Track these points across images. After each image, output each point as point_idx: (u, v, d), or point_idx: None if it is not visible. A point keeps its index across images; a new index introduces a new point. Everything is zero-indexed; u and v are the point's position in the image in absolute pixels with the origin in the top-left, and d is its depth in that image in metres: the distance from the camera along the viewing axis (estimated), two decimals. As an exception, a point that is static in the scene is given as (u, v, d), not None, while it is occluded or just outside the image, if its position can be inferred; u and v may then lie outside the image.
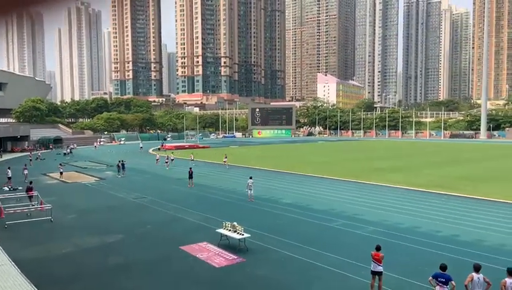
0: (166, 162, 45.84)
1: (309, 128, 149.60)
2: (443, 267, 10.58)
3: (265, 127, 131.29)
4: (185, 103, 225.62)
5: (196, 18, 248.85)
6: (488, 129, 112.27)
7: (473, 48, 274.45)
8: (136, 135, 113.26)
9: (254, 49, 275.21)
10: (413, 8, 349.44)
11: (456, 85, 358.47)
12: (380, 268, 11.94)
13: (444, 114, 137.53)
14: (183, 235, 18.53)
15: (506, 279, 9.98)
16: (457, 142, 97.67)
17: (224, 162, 45.21)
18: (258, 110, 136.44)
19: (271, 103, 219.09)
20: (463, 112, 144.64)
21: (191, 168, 33.04)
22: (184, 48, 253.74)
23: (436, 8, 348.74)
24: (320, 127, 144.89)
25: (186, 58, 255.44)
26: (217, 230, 17.71)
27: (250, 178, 26.97)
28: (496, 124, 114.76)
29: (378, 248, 12.22)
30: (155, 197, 27.79)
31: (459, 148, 73.76)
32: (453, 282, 10.22)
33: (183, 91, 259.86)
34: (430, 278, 10.63)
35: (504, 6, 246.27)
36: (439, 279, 10.47)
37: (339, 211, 23.12)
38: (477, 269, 10.16)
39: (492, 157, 55.25)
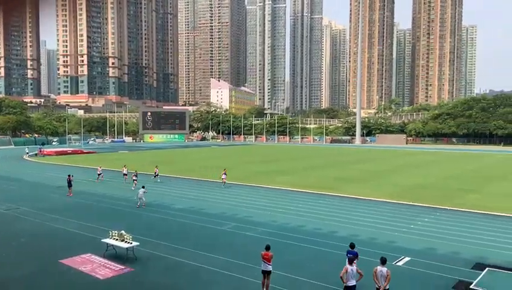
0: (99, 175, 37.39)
1: (202, 133, 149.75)
2: (352, 246, 13.12)
3: (158, 132, 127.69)
4: (68, 105, 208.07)
5: (81, 14, 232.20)
6: (362, 135, 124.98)
7: (349, 61, 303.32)
8: (8, 140, 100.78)
9: (145, 51, 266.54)
10: (299, 21, 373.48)
11: (336, 95, 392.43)
12: (269, 267, 12.46)
13: (326, 121, 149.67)
14: (63, 248, 17.09)
15: (378, 267, 11.27)
16: (336, 146, 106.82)
17: (223, 179, 33.84)
18: (149, 114, 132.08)
19: (163, 107, 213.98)
20: (341, 119, 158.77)
21: (69, 176, 30.39)
22: (67, 45, 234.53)
23: (318, 23, 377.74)
24: (214, 132, 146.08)
25: (69, 57, 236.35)
26: (102, 240, 16.71)
27: (143, 187, 25.99)
28: (368, 130, 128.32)
29: (267, 248, 12.73)
30: (31, 208, 25.11)
31: (337, 152, 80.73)
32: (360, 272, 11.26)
33: (66, 92, 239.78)
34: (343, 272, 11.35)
35: (375, 25, 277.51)
36: (348, 255, 12.45)
37: (231, 214, 23.59)
38: (350, 261, 11.31)
39: (365, 160, 61.65)
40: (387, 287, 10.85)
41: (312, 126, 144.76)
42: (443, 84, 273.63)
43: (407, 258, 15.81)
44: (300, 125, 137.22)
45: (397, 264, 15.20)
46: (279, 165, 52.35)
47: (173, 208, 25.40)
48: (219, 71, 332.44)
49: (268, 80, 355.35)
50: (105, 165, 45.73)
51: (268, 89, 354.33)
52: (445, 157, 68.11)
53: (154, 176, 37.25)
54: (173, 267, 14.90)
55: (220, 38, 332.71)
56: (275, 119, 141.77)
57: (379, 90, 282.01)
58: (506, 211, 24.49)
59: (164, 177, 38.64)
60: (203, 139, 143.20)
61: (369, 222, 21.92)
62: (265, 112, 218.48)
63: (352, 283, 10.99)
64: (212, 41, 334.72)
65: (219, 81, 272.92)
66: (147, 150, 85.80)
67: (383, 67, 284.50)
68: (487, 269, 14.66)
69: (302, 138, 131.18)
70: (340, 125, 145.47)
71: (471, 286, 13.12)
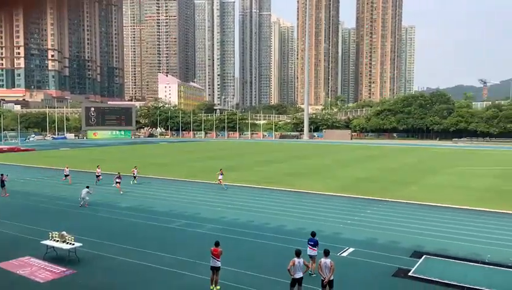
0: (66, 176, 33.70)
1: (150, 129, 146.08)
2: (313, 234, 13.94)
3: (102, 128, 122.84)
4: (3, 100, 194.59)
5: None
6: (310, 131, 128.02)
7: (297, 58, 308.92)
8: None
9: (88, 44, 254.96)
10: (248, 17, 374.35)
11: (285, 91, 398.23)
12: (218, 263, 12.45)
13: (275, 117, 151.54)
14: (-2, 252, 16.01)
15: (322, 259, 11.60)
16: (285, 142, 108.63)
17: (220, 181, 31.35)
18: (93, 109, 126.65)
19: (108, 102, 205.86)
20: (290, 115, 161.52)
21: (2, 175, 28.45)
22: (1, 36, 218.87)
23: (266, 20, 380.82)
24: (162, 128, 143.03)
25: (3, 49, 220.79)
26: (41, 242, 15.85)
27: (87, 187, 24.89)
28: (316, 126, 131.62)
29: (216, 244, 12.70)
30: (-40, 211, 23.26)
31: (286, 148, 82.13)
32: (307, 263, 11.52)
33: (1, 86, 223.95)
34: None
35: (321, 24, 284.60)
36: (309, 243, 13.64)
37: (180, 211, 23.26)
38: (298, 254, 11.53)
39: (312, 155, 63.21)
40: (332, 277, 11.22)
41: (262, 122, 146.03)
42: (385, 82, 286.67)
43: (351, 249, 16.44)
44: (250, 121, 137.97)
45: (342, 255, 15.77)
46: (229, 161, 52.33)
47: (119, 206, 24.62)
48: (167, 66, 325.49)
49: (218, 75, 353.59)
50: (44, 163, 43.34)
51: (218, 85, 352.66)
52: (386, 151, 71.44)
53: (134, 177, 33.61)
54: (118, 268, 14.47)
55: (167, 32, 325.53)
56: (224, 115, 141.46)
57: (326, 87, 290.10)
58: (440, 201, 26.14)
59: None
60: (151, 135, 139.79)
61: (316, 215, 22.52)
62: (215, 107, 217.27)
63: (299, 275, 11.24)
64: (159, 35, 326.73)
65: (167, 76, 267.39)
66: (91, 147, 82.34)
67: (329, 64, 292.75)
68: (424, 256, 15.59)
69: (251, 134, 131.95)
70: (289, 121, 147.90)
71: (409, 273, 13.90)
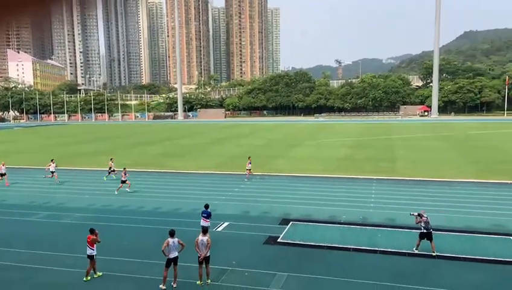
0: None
1: (1, 113, 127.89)
2: (206, 206, 15.05)
3: None
4: None
5: None
6: (184, 110, 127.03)
7: (168, 36, 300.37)
8: None
9: None
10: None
11: (157, 70, 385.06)
12: (92, 252, 11.87)
13: (147, 97, 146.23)
14: None
15: (199, 236, 11.82)
16: (159, 122, 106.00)
17: (248, 171, 26.88)
18: None
19: None
20: (163, 95, 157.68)
21: None
22: None
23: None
24: (16, 112, 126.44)
25: None
26: None
27: None
28: (190, 105, 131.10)
29: (91, 231, 12.09)
30: None
31: (160, 129, 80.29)
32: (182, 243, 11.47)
33: None
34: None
35: (190, 1, 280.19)
36: (203, 215, 14.64)
37: (41, 202, 21.18)
38: (172, 234, 11.57)
39: (187, 135, 63.09)
40: (208, 254, 11.57)
41: (133, 102, 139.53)
42: (254, 62, 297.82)
43: (226, 223, 17.11)
44: (120, 102, 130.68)
45: (217, 230, 16.31)
46: (98, 145, 49.10)
47: (-36, 204, 21.32)
48: (18, 41, 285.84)
49: (80, 52, 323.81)
50: None
51: (81, 63, 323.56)
52: (257, 128, 75.05)
53: (109, 173, 27.49)
54: (-32, 273, 12.64)
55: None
56: (90, 96, 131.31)
57: (198, 66, 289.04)
58: (304, 172, 28.70)
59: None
60: (2, 120, 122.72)
61: (192, 194, 22.74)
62: (79, 88, 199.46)
63: (174, 254, 11.33)
64: None
65: (19, 52, 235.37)
66: None
67: (201, 43, 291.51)
68: (291, 223, 17.06)
69: (122, 115, 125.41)
70: (162, 101, 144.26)
71: (278, 240, 15.11)
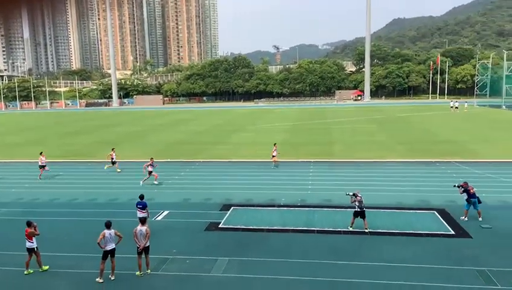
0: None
1: None
2: (141, 197, 14.30)
3: None
4: None
5: None
6: (120, 97, 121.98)
7: (99, 19, 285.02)
8: None
9: None
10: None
11: (88, 55, 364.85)
12: (31, 244, 11.49)
13: (78, 83, 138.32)
14: None
15: (138, 227, 11.49)
16: (92, 110, 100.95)
17: (274, 159, 25.51)
18: None
19: None
20: (96, 81, 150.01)
21: None
22: None
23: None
24: None
25: None
26: None
27: None
28: (126, 92, 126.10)
29: (28, 224, 11.65)
30: None
31: (93, 117, 76.54)
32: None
33: None
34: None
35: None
36: (138, 206, 14.05)
37: (-40, 200, 19.42)
38: (108, 225, 11.16)
39: (124, 123, 60.76)
40: (148, 244, 11.30)
41: (63, 89, 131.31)
42: (192, 47, 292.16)
43: (166, 212, 16.80)
44: (48, 89, 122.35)
45: (157, 219, 15.98)
46: (27, 135, 45.81)
47: None
48: None
49: (2, 36, 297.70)
50: None
51: (3, 47, 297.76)
52: (197, 114, 74.11)
53: (112, 164, 25.37)
54: None
55: None
56: (14, 83, 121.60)
57: (133, 50, 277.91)
58: (245, 157, 28.89)
59: None
60: None
61: (129, 183, 22.03)
62: (1, 74, 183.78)
63: (111, 246, 10.95)
64: None
65: None
66: None
67: (135, 27, 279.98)
68: (232, 208, 17.15)
69: (51, 103, 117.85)
70: (95, 87, 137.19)
71: (219, 225, 15.13)
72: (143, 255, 11.30)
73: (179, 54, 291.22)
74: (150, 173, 21.45)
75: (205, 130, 47.89)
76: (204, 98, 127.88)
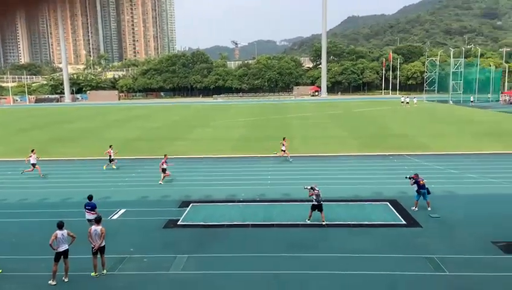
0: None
1: None
2: (90, 197, 13.74)
3: None
4: None
5: None
6: (72, 92, 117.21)
7: (48, 10, 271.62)
8: None
9: None
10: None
11: (37, 48, 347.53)
12: None
13: (27, 78, 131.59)
14: None
15: (92, 227, 11.18)
16: (43, 106, 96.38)
17: (284, 152, 25.33)
18: None
19: None
20: (46, 76, 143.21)
21: None
22: None
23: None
24: None
25: None
26: None
27: None
28: (79, 87, 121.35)
29: None
30: None
31: (45, 113, 73.14)
32: (72, 234, 10.75)
33: None
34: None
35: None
36: (86, 207, 13.53)
37: None
38: (60, 226, 10.76)
39: (77, 119, 58.48)
40: (103, 243, 11.01)
41: (10, 84, 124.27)
42: (149, 41, 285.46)
43: (122, 210, 16.41)
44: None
45: (113, 218, 15.58)
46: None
47: None
48: None
49: None
50: None
51: None
52: (154, 110, 72.67)
53: (110, 161, 24.21)
54: None
55: None
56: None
57: (86, 44, 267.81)
58: (204, 153, 28.69)
59: None
60: None
61: (83, 182, 21.31)
62: None
63: (64, 247, 10.57)
64: None
65: None
66: None
67: (88, 20, 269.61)
68: (191, 204, 17.01)
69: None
70: (45, 82, 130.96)
71: (178, 223, 14.98)
72: (98, 256, 11.00)
73: (134, 48, 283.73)
74: (164, 170, 20.84)
75: (163, 126, 47.07)
76: (162, 93, 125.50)
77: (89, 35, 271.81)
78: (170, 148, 31.04)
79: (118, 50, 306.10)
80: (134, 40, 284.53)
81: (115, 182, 21.14)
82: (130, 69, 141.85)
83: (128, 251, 12.37)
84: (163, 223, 14.83)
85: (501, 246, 12.19)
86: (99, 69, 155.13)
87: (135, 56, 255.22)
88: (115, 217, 15.73)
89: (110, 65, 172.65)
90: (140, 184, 20.68)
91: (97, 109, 79.38)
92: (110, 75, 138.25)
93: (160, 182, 20.67)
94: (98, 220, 11.36)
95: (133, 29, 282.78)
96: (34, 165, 22.55)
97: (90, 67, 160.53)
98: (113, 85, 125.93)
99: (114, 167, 24.26)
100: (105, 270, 11.02)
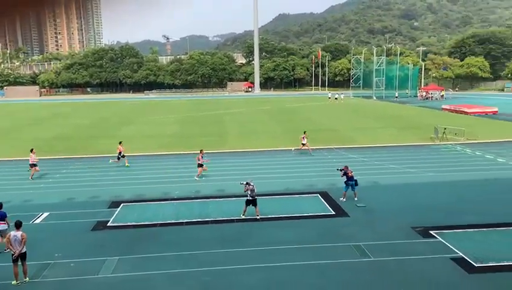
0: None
1: None
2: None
3: None
4: None
5: None
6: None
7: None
8: None
9: None
10: None
11: None
12: None
13: None
14: None
15: (12, 232, 10.39)
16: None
17: (302, 146, 26.17)
18: None
19: None
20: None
21: None
22: None
23: None
24: None
25: None
26: None
27: None
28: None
29: None
30: None
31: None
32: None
33: None
34: None
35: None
36: None
37: None
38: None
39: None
40: (24, 250, 10.27)
41: None
42: (72, 34, 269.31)
43: (46, 214, 15.38)
44: None
45: (35, 222, 14.56)
46: None
47: None
48: None
49: None
50: None
51: None
52: (80, 107, 68.85)
53: (119, 158, 23.20)
54: None
55: None
56: None
57: (1, 36, 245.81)
58: (135, 151, 27.69)
59: None
60: None
61: (19, 185, 19.64)
62: None
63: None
64: None
65: None
66: None
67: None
68: (122, 204, 16.40)
69: None
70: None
71: (108, 224, 14.35)
72: (19, 263, 10.25)
73: (57, 41, 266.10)
74: (201, 165, 20.29)
75: (90, 123, 44.77)
76: (89, 89, 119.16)
77: (4, 27, 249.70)
78: (97, 146, 29.68)
79: (38, 43, 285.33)
80: (56, 33, 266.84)
81: (35, 183, 19.76)
82: (52, 63, 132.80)
83: (53, 256, 11.64)
84: (92, 225, 14.14)
85: (419, 231, 13.23)
86: (17, 63, 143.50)
87: (57, 50, 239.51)
88: (38, 221, 14.70)
89: (30, 59, 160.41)
90: (66, 185, 19.53)
91: (15, 106, 73.49)
92: (29, 69, 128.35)
93: (196, 177, 20.25)
94: (17, 225, 10.57)
95: (54, 21, 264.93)
96: (33, 165, 20.82)
97: (7, 62, 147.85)
98: (33, 80, 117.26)
99: (127, 164, 23.24)
100: (27, 278, 10.30)
